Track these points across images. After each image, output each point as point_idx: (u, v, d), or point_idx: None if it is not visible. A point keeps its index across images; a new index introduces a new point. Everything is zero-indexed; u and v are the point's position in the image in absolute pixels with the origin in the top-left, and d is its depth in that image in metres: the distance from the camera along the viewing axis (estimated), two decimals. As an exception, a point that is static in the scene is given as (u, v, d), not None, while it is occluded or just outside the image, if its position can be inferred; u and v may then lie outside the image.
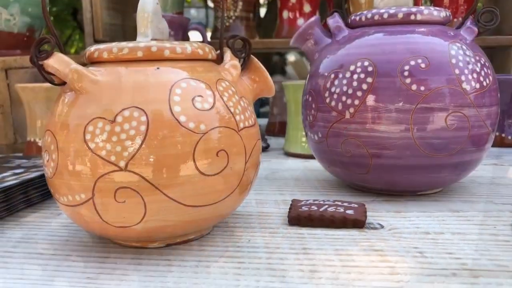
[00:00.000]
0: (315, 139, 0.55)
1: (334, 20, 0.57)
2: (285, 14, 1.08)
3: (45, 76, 0.38)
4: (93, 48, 0.39)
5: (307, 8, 1.07)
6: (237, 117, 0.38)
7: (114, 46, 0.37)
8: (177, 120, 0.35)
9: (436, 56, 0.48)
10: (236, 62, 0.43)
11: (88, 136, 0.34)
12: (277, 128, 1.03)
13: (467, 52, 0.50)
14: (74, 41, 7.71)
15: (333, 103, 0.51)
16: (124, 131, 0.34)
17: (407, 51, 0.49)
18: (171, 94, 0.36)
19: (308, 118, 0.56)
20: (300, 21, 1.07)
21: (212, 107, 0.37)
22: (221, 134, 0.37)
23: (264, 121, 1.17)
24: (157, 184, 0.34)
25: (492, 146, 0.85)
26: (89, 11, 1.09)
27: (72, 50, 8.16)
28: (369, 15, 0.54)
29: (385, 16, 0.52)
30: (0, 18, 0.87)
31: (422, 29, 0.51)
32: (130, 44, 0.37)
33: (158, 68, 0.37)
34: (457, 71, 0.48)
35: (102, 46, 0.38)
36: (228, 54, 0.44)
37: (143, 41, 0.40)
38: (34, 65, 0.38)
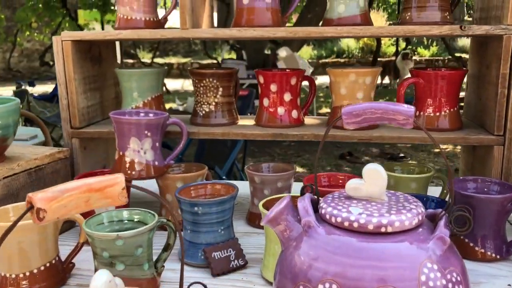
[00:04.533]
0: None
1: (304, 209, 0.55)
2: (266, 101, 1.06)
3: None
4: None
5: (287, 96, 1.05)
6: None
7: None
8: None
9: (405, 285, 0.47)
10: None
11: None
12: (258, 220, 1.02)
13: (438, 274, 0.49)
14: (64, 29, 7.60)
15: (301, 316, 0.50)
16: None
17: (376, 278, 0.48)
18: None
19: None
20: (281, 110, 1.05)
21: None
22: None
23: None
24: None
25: (474, 260, 0.85)
26: (65, 97, 1.06)
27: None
28: (339, 219, 0.52)
29: (355, 225, 0.51)
30: (-31, 135, 0.84)
31: (392, 247, 0.50)
32: None
33: None
34: (426, 301, 0.47)
35: None
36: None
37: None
38: None
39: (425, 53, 11.77)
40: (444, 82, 0.98)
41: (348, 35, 0.96)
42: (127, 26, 1.05)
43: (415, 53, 11.72)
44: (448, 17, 0.97)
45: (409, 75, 1.07)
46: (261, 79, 1.05)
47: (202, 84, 1.07)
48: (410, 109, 0.52)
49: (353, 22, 0.98)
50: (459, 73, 0.98)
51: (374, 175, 0.54)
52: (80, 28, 6.84)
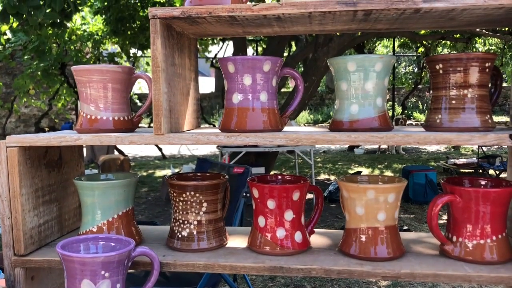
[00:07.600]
0: None
1: None
2: (261, 221, 0.84)
3: None
4: None
5: (289, 215, 0.83)
6: None
7: None
8: None
9: None
10: None
11: None
12: None
13: None
14: (62, 95, 7.42)
15: None
16: None
17: None
18: None
19: None
20: (281, 233, 0.83)
21: None
22: None
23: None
24: None
25: None
26: (8, 217, 0.84)
27: (59, 104, 7.89)
28: None
29: None
30: None
31: None
32: None
33: None
34: None
35: None
36: None
37: None
38: None
39: (420, 117, 11.77)
40: (489, 203, 0.77)
41: (365, 144, 0.76)
42: (91, 128, 0.85)
43: (411, 117, 11.70)
44: (489, 120, 0.77)
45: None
46: (256, 193, 0.84)
47: (181, 199, 0.86)
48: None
49: (370, 127, 0.78)
50: (509, 191, 0.77)
51: None
52: (78, 94, 6.71)
